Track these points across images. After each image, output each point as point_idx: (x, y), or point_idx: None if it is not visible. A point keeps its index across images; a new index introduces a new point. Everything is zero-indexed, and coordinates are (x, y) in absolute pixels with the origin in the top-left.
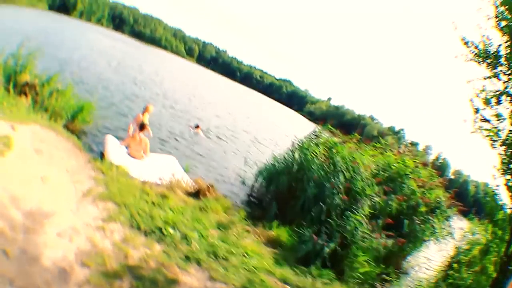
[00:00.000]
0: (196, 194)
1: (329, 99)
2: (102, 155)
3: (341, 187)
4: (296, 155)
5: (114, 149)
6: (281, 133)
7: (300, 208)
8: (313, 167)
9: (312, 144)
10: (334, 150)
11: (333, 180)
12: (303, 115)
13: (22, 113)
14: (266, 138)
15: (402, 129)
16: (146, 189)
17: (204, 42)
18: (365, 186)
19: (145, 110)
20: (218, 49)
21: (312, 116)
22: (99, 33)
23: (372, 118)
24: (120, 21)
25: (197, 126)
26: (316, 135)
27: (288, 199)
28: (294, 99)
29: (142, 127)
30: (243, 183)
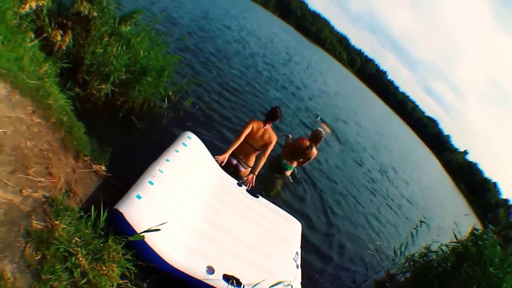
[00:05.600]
0: None
1: (466, 152)
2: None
3: None
4: None
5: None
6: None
7: None
8: None
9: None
10: None
11: None
12: (440, 162)
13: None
14: (418, 196)
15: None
16: None
17: (366, 57)
18: None
19: (315, 138)
20: (379, 67)
21: (447, 165)
22: (263, 15)
23: (495, 185)
24: (287, 11)
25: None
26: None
27: None
28: (435, 142)
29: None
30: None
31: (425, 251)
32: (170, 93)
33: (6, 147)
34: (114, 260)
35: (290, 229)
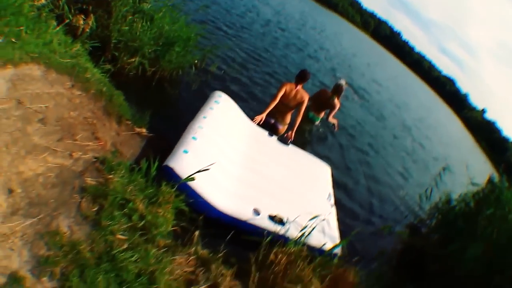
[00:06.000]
0: None
1: (484, 111)
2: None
3: None
4: None
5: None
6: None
7: None
8: None
9: None
10: None
11: None
12: (460, 119)
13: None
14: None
15: None
16: None
17: (379, 19)
18: None
19: (336, 89)
20: (393, 29)
21: (467, 123)
22: None
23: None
24: None
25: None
26: None
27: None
28: (453, 100)
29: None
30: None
31: (447, 198)
32: (196, 61)
33: (50, 119)
34: (168, 202)
35: (321, 172)
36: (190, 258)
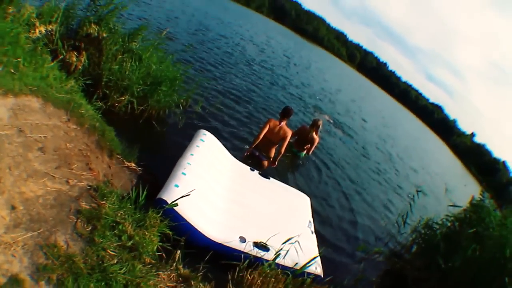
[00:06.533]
0: None
1: (473, 135)
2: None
3: None
4: None
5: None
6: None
7: None
8: None
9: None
10: None
11: None
12: (448, 147)
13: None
14: (419, 171)
15: None
16: None
17: (365, 50)
18: None
19: (313, 125)
20: (379, 60)
21: (456, 149)
22: (258, 20)
23: (504, 164)
24: (281, 13)
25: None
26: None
27: None
28: (442, 127)
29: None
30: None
31: (428, 222)
32: (182, 100)
33: (49, 148)
34: (154, 226)
35: (301, 201)
36: (172, 275)
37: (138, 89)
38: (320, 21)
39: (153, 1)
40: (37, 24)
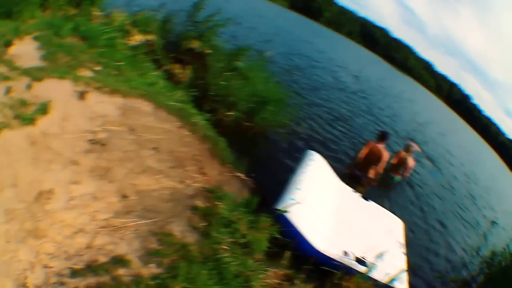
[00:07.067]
0: None
1: None
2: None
3: None
4: None
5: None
6: None
7: None
8: None
9: None
10: None
11: None
12: None
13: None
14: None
15: None
16: None
17: (451, 82)
18: None
19: (408, 149)
20: (463, 92)
21: None
22: (349, 46)
23: None
24: (371, 40)
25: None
26: None
27: None
28: None
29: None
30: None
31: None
32: (287, 120)
33: (163, 149)
34: (265, 228)
35: (395, 224)
36: (279, 272)
37: (245, 106)
38: (408, 49)
39: (246, 23)
40: (134, 32)
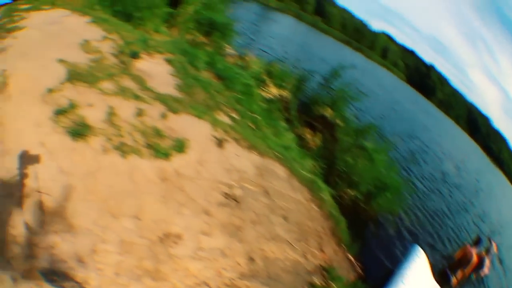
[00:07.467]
0: None
1: None
2: None
3: None
4: None
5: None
6: None
7: None
8: None
9: None
10: None
11: None
12: None
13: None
14: None
15: None
16: None
17: None
18: None
19: (487, 252)
20: None
21: None
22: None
23: None
24: (474, 127)
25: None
26: None
27: None
28: None
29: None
30: None
31: None
32: (399, 207)
33: (291, 219)
34: None
35: None
36: None
37: (366, 188)
38: (504, 143)
39: (371, 93)
40: (270, 84)
